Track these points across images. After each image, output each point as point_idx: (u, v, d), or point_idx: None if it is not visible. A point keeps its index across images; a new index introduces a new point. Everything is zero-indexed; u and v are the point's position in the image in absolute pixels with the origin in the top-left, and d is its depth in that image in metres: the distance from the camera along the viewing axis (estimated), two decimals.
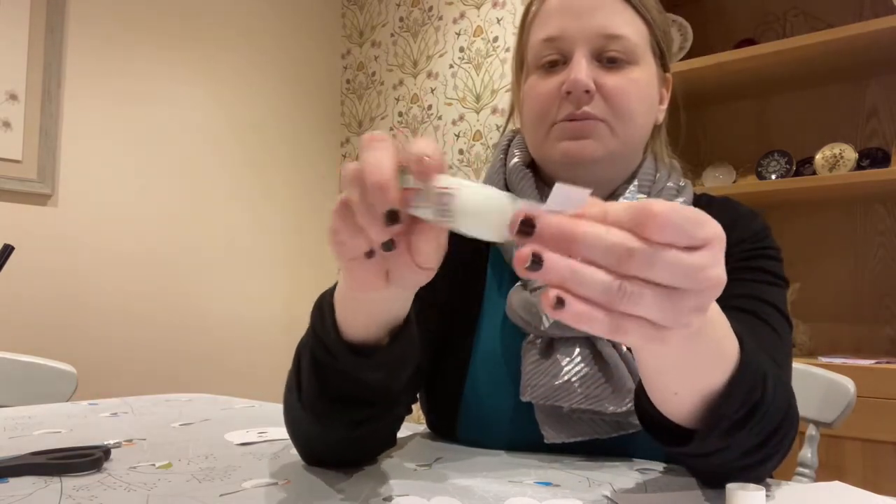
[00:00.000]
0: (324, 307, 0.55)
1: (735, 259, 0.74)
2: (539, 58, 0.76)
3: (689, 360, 0.48)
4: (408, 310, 0.55)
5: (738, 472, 0.56)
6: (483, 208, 0.39)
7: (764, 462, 0.57)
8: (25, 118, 2.28)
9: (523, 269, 0.37)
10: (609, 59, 0.73)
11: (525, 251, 0.37)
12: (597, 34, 0.72)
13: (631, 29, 0.74)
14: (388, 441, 0.69)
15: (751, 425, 0.52)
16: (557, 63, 0.75)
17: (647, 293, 0.38)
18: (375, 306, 0.52)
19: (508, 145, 0.85)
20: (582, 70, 0.71)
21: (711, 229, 0.40)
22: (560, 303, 0.38)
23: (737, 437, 0.53)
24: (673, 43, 0.84)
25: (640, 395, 0.57)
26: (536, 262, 0.37)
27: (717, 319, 0.48)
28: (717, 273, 0.40)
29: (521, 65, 0.82)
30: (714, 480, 0.60)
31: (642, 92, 0.75)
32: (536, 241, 0.37)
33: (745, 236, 0.76)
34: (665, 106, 0.83)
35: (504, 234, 0.39)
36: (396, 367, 0.57)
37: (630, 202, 0.39)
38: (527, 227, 0.37)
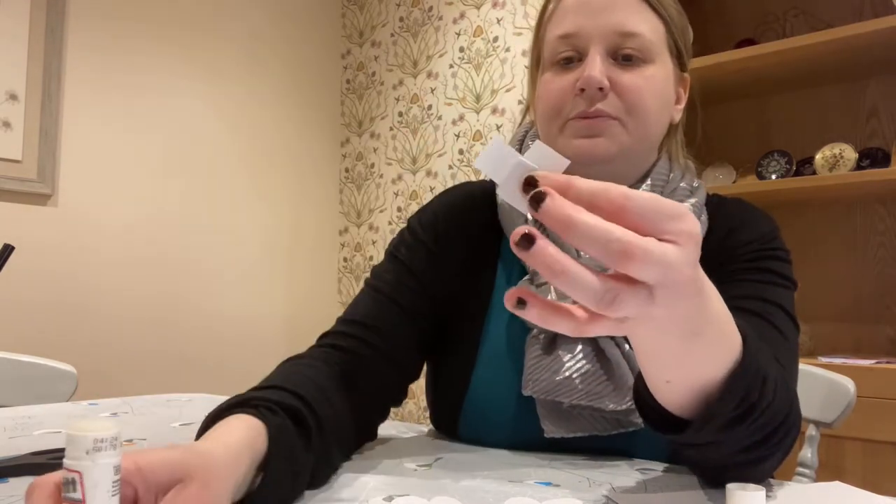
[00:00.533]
0: None
1: (743, 259, 0.74)
2: (555, 54, 0.76)
3: (684, 352, 0.47)
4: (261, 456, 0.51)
5: (736, 468, 0.56)
6: None
7: (762, 461, 0.57)
8: (25, 118, 2.28)
9: (513, 245, 0.38)
10: (624, 56, 0.73)
11: (520, 229, 0.38)
12: (612, 32, 0.72)
13: (647, 27, 0.74)
14: (375, 423, 0.72)
15: (747, 424, 0.52)
16: (573, 60, 0.75)
17: (628, 294, 0.38)
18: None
19: (524, 137, 0.85)
20: (596, 67, 0.71)
21: (684, 225, 0.39)
22: (521, 303, 0.39)
23: (732, 433, 0.53)
24: (691, 42, 0.84)
25: (639, 381, 0.57)
26: (527, 241, 0.37)
27: (720, 315, 0.47)
28: (690, 272, 0.39)
29: (537, 61, 0.82)
30: (713, 477, 0.60)
31: (657, 90, 0.74)
32: (542, 215, 0.37)
33: (754, 237, 0.76)
34: (682, 106, 0.83)
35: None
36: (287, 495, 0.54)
37: (594, 182, 0.39)
38: (537, 201, 0.37)
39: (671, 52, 0.77)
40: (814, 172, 2.02)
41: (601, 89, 0.71)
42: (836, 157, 1.97)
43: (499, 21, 2.77)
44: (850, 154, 1.95)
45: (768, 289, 0.72)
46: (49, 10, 2.34)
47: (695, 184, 0.81)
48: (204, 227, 2.74)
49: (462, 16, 2.88)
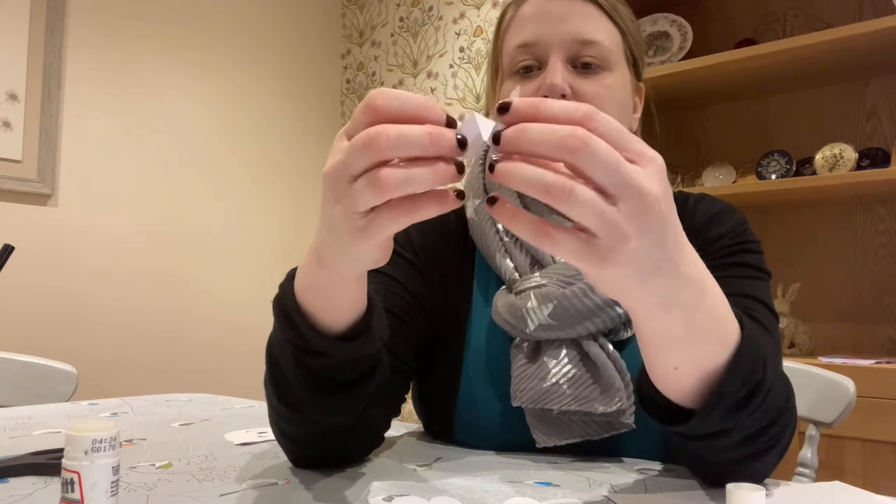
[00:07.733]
0: (290, 314, 0.54)
1: (716, 256, 0.74)
2: (514, 63, 0.76)
3: (689, 334, 0.48)
4: None
5: (735, 464, 0.56)
6: None
7: (761, 454, 0.57)
8: (25, 118, 2.28)
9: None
10: (583, 64, 0.74)
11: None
12: (572, 40, 0.73)
13: (605, 35, 0.75)
14: (383, 428, 0.70)
15: (752, 407, 0.52)
16: (532, 69, 0.75)
17: (584, 192, 0.39)
18: (358, 284, 0.52)
19: (487, 150, 0.85)
20: (558, 74, 0.72)
21: (645, 147, 0.42)
22: (492, 201, 0.42)
23: (740, 416, 0.53)
24: (646, 52, 0.84)
25: (642, 376, 0.57)
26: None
27: (716, 297, 0.50)
28: (651, 187, 0.41)
29: (495, 71, 0.82)
30: (711, 475, 0.60)
31: (616, 98, 0.75)
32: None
33: (724, 232, 0.76)
34: (638, 115, 0.83)
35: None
36: (385, 326, 0.58)
37: (563, 102, 0.42)
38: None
39: (628, 61, 0.78)
40: (814, 172, 2.02)
41: (564, 96, 0.72)
42: (836, 157, 1.97)
43: None
44: (850, 154, 1.95)
45: (745, 283, 0.72)
46: (49, 9, 2.33)
47: None
48: (203, 227, 2.74)
49: (462, 16, 2.88)
